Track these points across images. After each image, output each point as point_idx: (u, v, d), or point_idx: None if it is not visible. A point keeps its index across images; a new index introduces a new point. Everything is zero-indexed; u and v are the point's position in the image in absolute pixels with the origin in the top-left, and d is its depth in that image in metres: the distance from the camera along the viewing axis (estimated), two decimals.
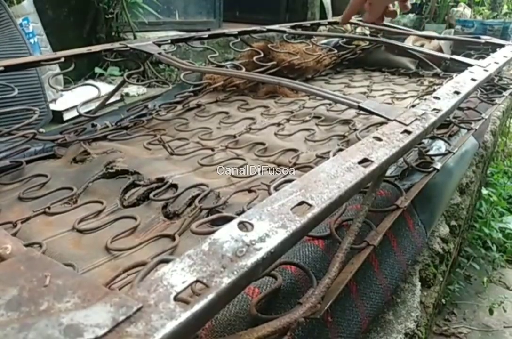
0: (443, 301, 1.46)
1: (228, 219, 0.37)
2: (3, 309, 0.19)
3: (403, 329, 0.53)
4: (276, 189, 0.43)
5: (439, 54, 1.07)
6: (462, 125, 0.79)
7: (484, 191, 1.86)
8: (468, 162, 0.85)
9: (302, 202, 0.29)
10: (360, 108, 0.56)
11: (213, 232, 0.24)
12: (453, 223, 1.01)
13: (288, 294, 0.38)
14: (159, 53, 0.81)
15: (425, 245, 0.66)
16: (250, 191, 0.56)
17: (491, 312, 1.51)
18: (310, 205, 0.29)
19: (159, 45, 0.87)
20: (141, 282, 0.21)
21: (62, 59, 0.74)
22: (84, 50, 0.79)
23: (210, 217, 0.37)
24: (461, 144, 0.69)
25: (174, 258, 0.23)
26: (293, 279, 0.39)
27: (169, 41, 0.91)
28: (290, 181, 0.32)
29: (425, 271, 0.80)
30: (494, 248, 1.78)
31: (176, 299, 0.20)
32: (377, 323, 0.50)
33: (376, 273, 0.47)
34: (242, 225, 0.26)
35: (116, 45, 0.83)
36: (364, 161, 0.37)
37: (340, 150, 0.40)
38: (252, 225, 0.26)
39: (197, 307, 0.20)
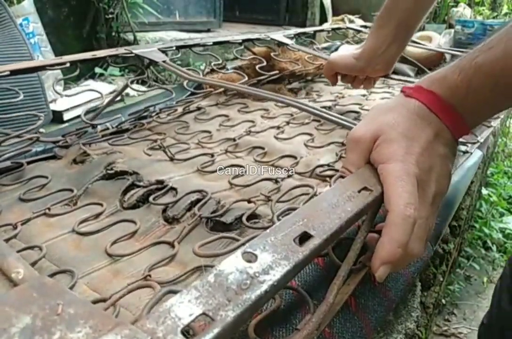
0: (443, 301, 1.46)
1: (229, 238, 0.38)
2: (17, 337, 0.20)
3: (403, 329, 0.53)
4: (279, 217, 0.44)
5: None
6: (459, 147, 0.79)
7: (484, 191, 1.86)
8: (474, 173, 0.84)
9: (304, 232, 0.30)
10: None
11: (216, 255, 0.25)
12: (453, 223, 1.01)
13: (287, 313, 0.38)
14: (164, 61, 0.81)
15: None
16: (249, 201, 0.56)
17: None
18: (312, 236, 0.30)
19: (164, 52, 0.87)
20: (150, 314, 0.21)
21: (68, 64, 0.74)
22: (88, 55, 0.79)
23: (211, 238, 0.38)
24: (459, 165, 0.69)
25: (181, 290, 0.23)
26: (292, 299, 0.39)
27: (174, 48, 0.92)
28: (293, 209, 0.32)
29: (425, 271, 0.81)
30: (494, 248, 1.79)
31: (183, 331, 0.20)
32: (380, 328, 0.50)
33: (377, 286, 0.47)
34: (246, 255, 0.26)
35: (121, 50, 0.83)
36: (364, 190, 0.37)
37: (342, 177, 0.41)
38: (256, 256, 0.26)
39: None
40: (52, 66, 0.72)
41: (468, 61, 0.39)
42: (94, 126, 0.83)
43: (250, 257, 0.26)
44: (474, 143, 0.79)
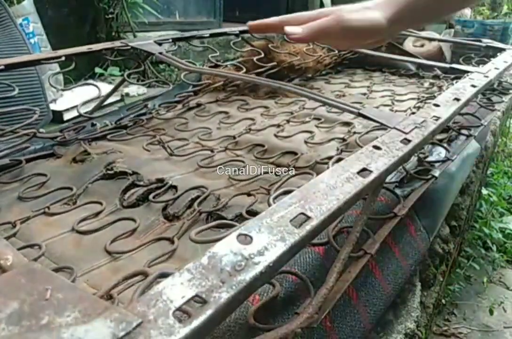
0: (443, 301, 1.46)
1: (227, 225, 0.37)
2: (4, 323, 0.19)
3: (403, 329, 0.53)
4: (275, 200, 0.44)
5: (437, 64, 1.08)
6: (462, 131, 0.79)
7: (484, 191, 1.86)
8: (470, 165, 0.84)
9: (301, 214, 0.29)
10: (360, 115, 0.56)
11: (212, 240, 0.24)
12: (453, 223, 1.01)
13: (287, 301, 0.38)
14: (160, 53, 0.80)
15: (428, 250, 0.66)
16: (249, 195, 0.56)
17: (491, 312, 1.51)
18: (309, 217, 0.29)
19: (160, 44, 0.86)
20: (141, 297, 0.21)
21: (63, 58, 0.73)
22: (84, 48, 0.78)
23: (209, 225, 0.37)
24: (460, 150, 0.69)
25: (173, 272, 0.23)
26: (293, 287, 0.39)
27: (170, 40, 0.91)
28: (289, 192, 0.32)
29: (425, 271, 0.81)
30: (494, 248, 1.78)
31: (175, 314, 0.20)
32: (377, 323, 0.50)
33: (378, 279, 0.47)
34: (242, 238, 0.26)
35: (117, 43, 0.83)
36: (363, 171, 0.37)
37: (340, 159, 0.40)
38: (251, 237, 0.26)
39: (196, 322, 0.20)
40: (48, 59, 0.71)
41: None
42: (93, 124, 0.83)
43: (245, 239, 0.26)
44: (478, 126, 0.79)
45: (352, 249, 0.38)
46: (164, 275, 0.30)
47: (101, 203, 0.58)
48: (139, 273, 0.36)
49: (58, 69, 1.58)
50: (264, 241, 0.26)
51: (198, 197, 0.58)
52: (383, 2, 0.60)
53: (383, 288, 0.47)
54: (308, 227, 0.28)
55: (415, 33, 1.47)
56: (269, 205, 0.31)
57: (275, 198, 0.44)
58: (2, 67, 0.65)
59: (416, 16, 0.61)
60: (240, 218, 0.52)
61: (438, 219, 0.65)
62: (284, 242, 0.26)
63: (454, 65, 0.95)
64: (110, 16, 1.91)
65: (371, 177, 0.36)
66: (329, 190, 0.33)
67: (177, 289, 0.22)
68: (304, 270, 0.41)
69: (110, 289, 0.36)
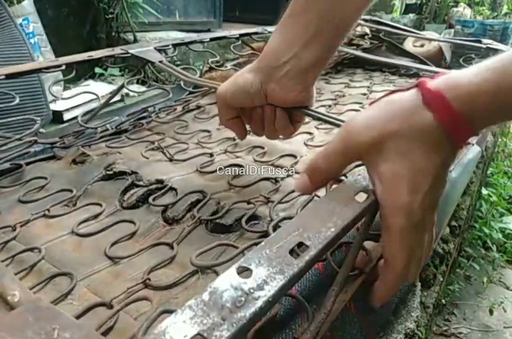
0: (443, 301, 1.46)
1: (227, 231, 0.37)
2: None
3: (403, 329, 0.53)
4: (274, 228, 0.44)
5: (436, 69, 1.08)
6: None
7: (484, 191, 1.87)
8: (472, 169, 0.83)
9: (299, 243, 0.30)
10: None
11: (212, 265, 0.25)
12: (453, 223, 1.01)
13: (285, 320, 0.38)
14: (160, 61, 0.80)
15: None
16: (248, 202, 0.56)
17: (491, 312, 1.51)
18: (307, 246, 0.30)
19: (160, 51, 0.86)
20: (145, 336, 0.22)
21: (63, 67, 0.74)
22: (85, 56, 0.78)
23: (210, 246, 0.37)
24: (458, 160, 0.68)
25: (175, 310, 0.23)
26: (292, 305, 0.39)
27: (170, 46, 0.91)
28: (289, 218, 0.32)
29: (425, 271, 0.81)
30: (494, 248, 1.79)
31: None
32: (380, 329, 0.50)
33: None
34: (242, 270, 0.26)
35: (117, 50, 0.83)
36: (361, 194, 0.37)
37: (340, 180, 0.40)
38: (251, 270, 0.26)
39: None
40: (48, 68, 0.71)
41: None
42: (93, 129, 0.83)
43: (245, 272, 0.26)
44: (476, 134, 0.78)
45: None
46: (167, 312, 0.30)
47: (100, 205, 0.58)
48: (142, 298, 0.37)
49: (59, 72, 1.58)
50: (263, 274, 0.26)
51: (197, 201, 0.58)
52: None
53: None
54: (306, 257, 0.29)
55: (415, 33, 1.47)
56: (268, 234, 0.31)
57: (275, 225, 0.45)
58: (3, 77, 0.66)
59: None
60: (239, 223, 0.52)
61: (441, 226, 0.64)
62: (283, 275, 0.27)
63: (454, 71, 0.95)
64: (110, 16, 1.91)
65: (370, 200, 0.36)
66: (327, 216, 0.33)
67: (179, 327, 0.22)
68: (304, 286, 0.41)
69: (114, 314, 0.37)
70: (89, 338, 0.22)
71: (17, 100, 0.68)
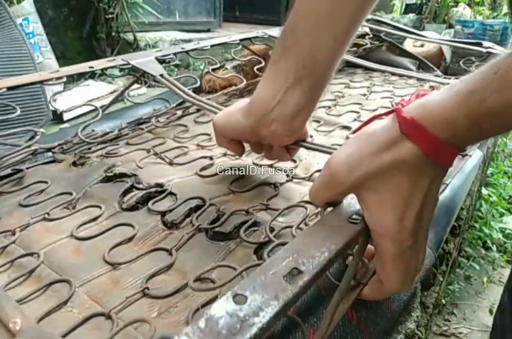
0: (443, 301, 1.46)
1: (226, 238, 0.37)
2: None
3: (403, 329, 0.53)
4: (269, 254, 0.45)
5: (436, 79, 1.08)
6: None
7: (484, 191, 1.87)
8: (474, 175, 0.82)
9: (294, 269, 0.30)
10: None
11: (210, 289, 0.25)
12: (453, 223, 1.01)
13: (282, 336, 0.39)
14: (161, 75, 0.80)
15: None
16: (247, 212, 0.57)
17: (491, 312, 1.51)
18: (301, 272, 0.30)
19: (162, 62, 0.86)
20: None
21: (64, 79, 0.74)
22: (86, 67, 0.78)
23: (207, 269, 0.38)
24: (456, 172, 0.67)
25: (173, 337, 0.23)
26: (288, 322, 0.40)
27: (171, 55, 0.91)
28: (283, 244, 0.33)
29: (425, 271, 0.81)
30: (494, 248, 1.79)
31: None
32: None
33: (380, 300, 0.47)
34: (237, 298, 0.27)
35: (119, 61, 0.83)
36: (354, 218, 0.38)
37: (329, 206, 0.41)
38: (246, 297, 0.27)
39: None
40: (49, 80, 0.72)
41: (477, 104, 0.32)
42: (92, 131, 0.83)
43: (241, 299, 0.27)
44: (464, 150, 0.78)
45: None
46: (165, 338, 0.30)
47: (100, 207, 0.58)
48: (140, 320, 0.37)
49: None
50: (258, 300, 0.27)
51: (197, 206, 0.58)
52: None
53: (385, 306, 0.47)
54: (300, 282, 0.29)
55: (415, 34, 1.47)
56: (264, 260, 0.32)
57: (270, 251, 0.45)
58: (4, 89, 0.66)
59: None
60: (238, 231, 0.52)
61: (443, 235, 0.64)
62: (277, 301, 0.27)
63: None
64: (110, 16, 1.91)
65: (361, 224, 0.37)
66: (321, 241, 0.33)
67: None
68: (302, 300, 0.42)
69: (116, 334, 0.37)
70: None
71: (18, 112, 0.69)
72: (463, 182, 0.70)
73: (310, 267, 0.30)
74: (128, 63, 0.82)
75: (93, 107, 0.85)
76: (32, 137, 0.70)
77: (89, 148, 0.76)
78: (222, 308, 0.26)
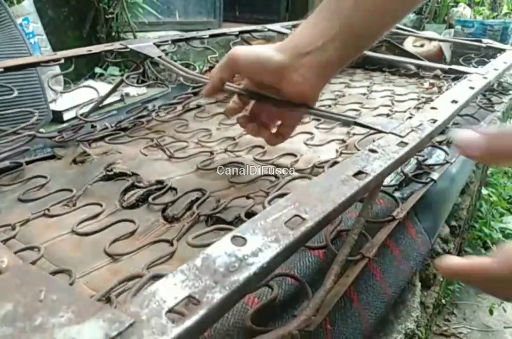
0: (443, 301, 1.46)
1: (226, 227, 0.37)
2: None
3: (403, 329, 0.53)
4: (270, 202, 0.44)
5: (436, 65, 1.08)
6: None
7: (484, 191, 1.86)
8: (472, 166, 0.83)
9: (296, 216, 0.29)
10: (356, 123, 0.56)
11: (207, 245, 0.24)
12: (453, 223, 1.01)
13: (286, 304, 0.38)
14: (159, 57, 0.80)
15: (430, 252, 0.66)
16: (248, 197, 0.56)
17: (491, 312, 1.51)
18: (304, 219, 0.29)
19: (159, 46, 0.86)
20: (134, 297, 0.21)
21: (62, 61, 0.73)
22: (84, 50, 0.78)
23: (206, 229, 0.37)
24: (454, 159, 0.68)
25: (167, 273, 0.23)
26: (292, 290, 0.39)
27: (169, 42, 0.91)
28: (284, 194, 0.32)
29: (425, 271, 0.80)
30: (494, 248, 1.78)
31: (168, 314, 0.20)
32: (378, 325, 0.50)
33: (379, 282, 0.47)
34: (236, 239, 0.26)
35: (117, 45, 0.83)
36: (359, 174, 0.37)
37: (335, 163, 0.40)
38: (245, 239, 0.26)
39: (188, 322, 0.20)
40: (46, 62, 0.71)
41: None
42: (92, 126, 0.83)
43: (239, 241, 0.26)
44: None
45: (351, 252, 0.38)
46: (158, 276, 0.30)
47: (100, 205, 0.58)
48: (135, 276, 0.36)
49: (58, 70, 1.58)
50: (258, 242, 0.26)
51: (197, 199, 0.58)
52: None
53: (384, 291, 0.47)
54: (303, 228, 0.28)
55: (415, 33, 1.47)
56: (264, 207, 0.31)
57: (271, 200, 0.44)
58: (1, 69, 0.66)
59: None
60: (239, 220, 0.52)
61: (439, 221, 0.64)
62: (278, 243, 0.26)
63: (453, 67, 0.95)
64: (110, 16, 1.91)
65: (367, 179, 0.36)
66: (324, 193, 0.33)
67: (170, 290, 0.22)
68: (303, 273, 0.41)
69: (107, 292, 0.36)
70: (77, 300, 0.21)
71: (15, 93, 0.68)
72: (460, 169, 0.71)
73: (313, 215, 0.30)
74: (126, 47, 0.82)
75: (93, 103, 0.84)
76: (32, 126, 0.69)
77: (89, 144, 0.76)
78: (220, 248, 0.25)
